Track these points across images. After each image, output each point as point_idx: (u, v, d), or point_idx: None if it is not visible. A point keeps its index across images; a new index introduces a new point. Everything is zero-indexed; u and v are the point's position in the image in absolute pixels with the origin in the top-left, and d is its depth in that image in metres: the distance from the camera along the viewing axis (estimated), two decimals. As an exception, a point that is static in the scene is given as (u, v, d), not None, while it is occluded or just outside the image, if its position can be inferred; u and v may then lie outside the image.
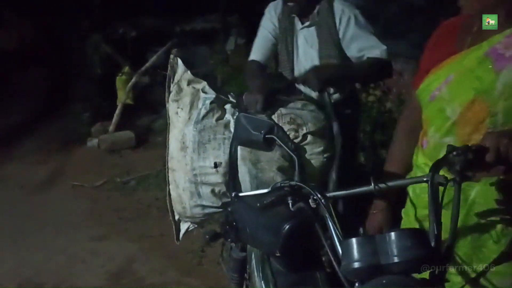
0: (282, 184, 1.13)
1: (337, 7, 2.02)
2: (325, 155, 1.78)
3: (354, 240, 0.93)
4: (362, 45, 2.00)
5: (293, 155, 1.20)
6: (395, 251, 0.89)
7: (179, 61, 1.79)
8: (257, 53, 2.18)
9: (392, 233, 0.91)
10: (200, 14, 6.03)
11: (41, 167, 4.13)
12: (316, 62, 2.07)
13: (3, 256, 2.90)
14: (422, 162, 1.28)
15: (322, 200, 1.07)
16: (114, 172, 3.98)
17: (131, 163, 4.17)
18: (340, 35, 2.02)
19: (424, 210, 1.30)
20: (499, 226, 1.18)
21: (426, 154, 1.27)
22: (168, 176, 1.77)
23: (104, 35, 5.27)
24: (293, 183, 1.12)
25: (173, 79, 1.78)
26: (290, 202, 1.12)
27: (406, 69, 4.12)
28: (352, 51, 2.02)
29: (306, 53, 2.12)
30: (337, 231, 1.00)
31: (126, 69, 4.79)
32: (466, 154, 0.99)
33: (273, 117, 1.76)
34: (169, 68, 1.79)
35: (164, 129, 5.04)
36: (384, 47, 1.98)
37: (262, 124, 1.25)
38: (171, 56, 1.80)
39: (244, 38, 6.04)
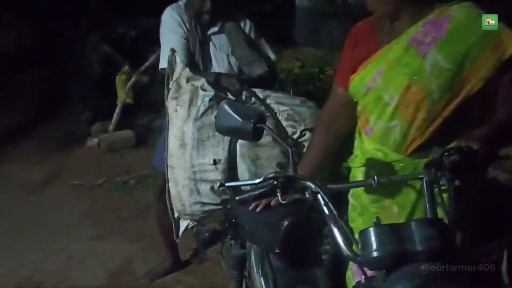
0: (277, 175, 1.10)
1: (242, 21, 2.21)
2: (324, 152, 1.77)
3: (378, 228, 0.92)
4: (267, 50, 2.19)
5: (287, 146, 1.17)
6: (422, 240, 0.90)
7: (178, 58, 1.79)
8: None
9: (419, 222, 0.93)
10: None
11: (41, 166, 4.11)
12: (227, 65, 2.13)
13: (2, 256, 2.89)
14: (372, 148, 1.39)
15: (321, 192, 1.06)
16: (113, 172, 3.96)
17: (130, 163, 4.16)
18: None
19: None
20: None
21: (374, 140, 1.38)
22: (167, 174, 1.77)
23: (103, 34, 5.26)
24: (290, 174, 1.10)
25: (172, 77, 1.78)
26: (279, 194, 1.10)
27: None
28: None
29: (218, 58, 2.15)
30: (341, 222, 0.98)
31: (126, 68, 4.77)
32: (455, 155, 1.07)
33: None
34: (167, 66, 1.78)
35: (164, 129, 5.03)
36: (274, 56, 2.24)
37: (251, 112, 1.20)
38: (169, 54, 1.79)
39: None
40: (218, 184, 1.17)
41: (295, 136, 1.76)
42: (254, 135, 1.18)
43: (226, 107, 1.19)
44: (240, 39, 2.11)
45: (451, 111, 1.27)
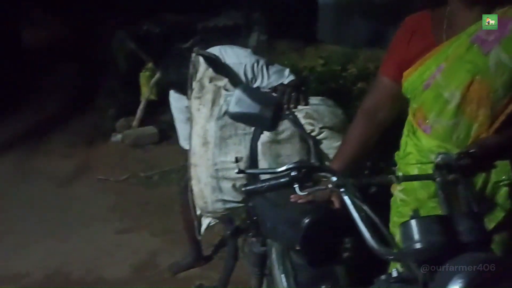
0: (300, 165, 1.06)
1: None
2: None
3: (419, 219, 0.91)
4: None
5: (307, 137, 1.15)
6: (468, 231, 0.90)
7: (201, 59, 1.82)
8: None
9: (461, 214, 0.95)
10: (222, 10, 6.07)
11: (68, 160, 4.24)
12: None
13: (31, 246, 3.00)
14: (432, 145, 1.38)
15: (346, 184, 1.03)
16: (137, 167, 4.05)
17: (154, 158, 4.24)
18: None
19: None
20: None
21: (435, 137, 1.38)
22: (189, 172, 1.81)
23: (129, 31, 5.35)
24: (314, 164, 1.08)
25: (195, 77, 1.81)
26: (296, 187, 1.06)
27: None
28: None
29: None
30: (372, 215, 0.95)
31: (150, 65, 4.84)
32: (464, 159, 1.13)
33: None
34: (191, 66, 1.82)
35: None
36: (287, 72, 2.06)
37: (271, 100, 1.18)
38: (193, 54, 1.83)
39: (266, 35, 6.07)
40: (237, 171, 1.14)
41: (313, 134, 1.76)
42: (272, 124, 1.15)
43: (243, 92, 1.16)
44: None
45: None
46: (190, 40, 5.05)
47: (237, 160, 1.68)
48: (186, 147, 2.11)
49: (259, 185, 1.04)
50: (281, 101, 1.22)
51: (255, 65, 1.97)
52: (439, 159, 1.12)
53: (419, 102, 1.40)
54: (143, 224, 3.21)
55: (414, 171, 1.43)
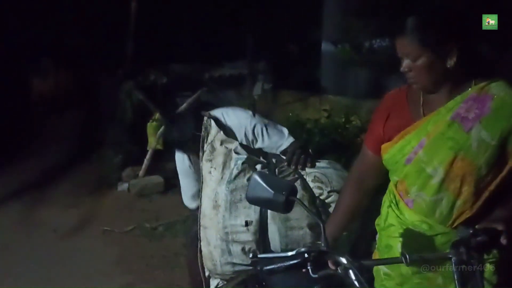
0: (310, 249, 1.13)
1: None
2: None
3: None
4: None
5: (318, 221, 1.20)
6: None
7: (213, 122, 1.88)
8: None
9: None
10: (228, 60, 6.24)
11: (73, 210, 4.23)
12: None
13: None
14: (415, 220, 1.39)
15: (354, 268, 1.09)
16: (143, 217, 4.04)
17: (160, 208, 4.23)
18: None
19: None
20: None
21: (417, 211, 1.39)
22: (199, 233, 1.82)
23: (136, 82, 5.47)
24: (323, 249, 1.13)
25: (207, 139, 1.86)
26: (310, 268, 1.12)
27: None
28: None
29: None
30: None
31: (157, 116, 4.93)
32: (482, 235, 1.14)
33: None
34: (203, 129, 1.87)
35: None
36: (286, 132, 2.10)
37: (283, 185, 1.24)
38: (205, 118, 1.89)
39: (270, 83, 6.21)
40: (251, 255, 1.21)
41: (322, 197, 1.80)
42: (286, 207, 1.22)
43: (258, 178, 1.24)
44: None
45: (497, 185, 1.31)
46: (198, 91, 5.17)
47: (247, 224, 1.70)
48: (190, 206, 2.14)
49: (276, 265, 1.10)
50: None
51: (256, 127, 2.01)
52: (457, 237, 1.13)
53: (400, 175, 1.43)
54: (147, 279, 3.18)
55: (397, 244, 1.44)
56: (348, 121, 4.36)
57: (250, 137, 2.00)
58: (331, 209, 1.77)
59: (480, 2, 2.71)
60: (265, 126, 2.05)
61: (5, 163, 4.86)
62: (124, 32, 5.59)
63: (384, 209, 1.49)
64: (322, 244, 1.15)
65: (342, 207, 1.56)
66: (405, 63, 1.34)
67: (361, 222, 1.83)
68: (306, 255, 1.13)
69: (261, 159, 1.88)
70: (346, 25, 5.95)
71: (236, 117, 2.03)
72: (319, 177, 1.79)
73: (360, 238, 1.80)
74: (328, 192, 1.77)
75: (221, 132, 1.86)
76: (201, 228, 1.80)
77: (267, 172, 1.74)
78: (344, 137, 4.25)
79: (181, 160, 2.14)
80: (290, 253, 1.14)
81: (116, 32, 5.61)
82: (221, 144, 1.84)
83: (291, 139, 2.01)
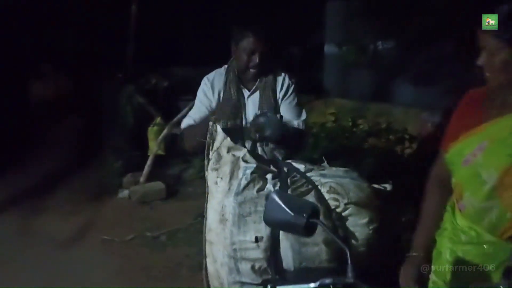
0: (335, 281, 1.01)
1: (280, 76, 2.14)
2: (370, 227, 1.67)
3: None
4: (292, 115, 2.10)
5: (344, 247, 1.07)
6: None
7: (219, 128, 1.74)
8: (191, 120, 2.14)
9: None
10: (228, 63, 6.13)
11: (73, 218, 4.09)
12: None
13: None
14: (465, 225, 1.36)
15: None
16: (144, 226, 3.91)
17: (161, 216, 4.11)
18: (279, 101, 2.11)
19: None
20: None
21: (467, 217, 1.35)
22: (204, 249, 1.68)
23: (137, 85, 5.37)
24: (349, 280, 1.00)
25: (212, 147, 1.72)
26: None
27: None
28: (287, 118, 2.08)
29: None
30: None
31: (158, 120, 4.83)
32: None
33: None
34: (208, 135, 1.73)
35: (194, 179, 4.96)
36: (303, 117, 2.14)
37: (304, 206, 1.12)
38: (210, 123, 1.75)
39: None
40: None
41: (338, 210, 1.65)
42: (307, 231, 1.09)
43: (277, 198, 1.11)
44: (268, 98, 2.10)
45: None
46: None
47: (257, 240, 1.56)
48: (182, 125, 2.15)
49: None
50: (316, 207, 1.18)
51: (290, 84, 2.15)
52: (509, 261, 1.02)
53: (457, 177, 1.40)
54: (148, 292, 3.04)
55: (446, 252, 1.40)
56: (355, 124, 4.23)
57: (285, 86, 2.09)
58: (348, 223, 1.63)
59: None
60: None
61: (2, 169, 4.72)
62: (125, 35, 5.50)
63: (445, 213, 1.47)
64: (349, 275, 1.01)
65: (431, 212, 1.49)
66: (483, 56, 1.28)
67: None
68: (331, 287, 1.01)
69: (272, 167, 1.73)
70: (350, 27, 5.84)
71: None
72: (335, 187, 1.64)
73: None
74: (345, 204, 1.63)
75: (228, 138, 1.72)
76: (207, 243, 1.66)
77: (280, 182, 1.59)
78: (351, 141, 4.12)
79: (206, 91, 2.14)
80: (312, 285, 1.04)
81: (116, 34, 5.53)
82: (228, 151, 1.69)
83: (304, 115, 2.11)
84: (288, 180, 1.66)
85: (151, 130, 4.77)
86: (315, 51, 6.48)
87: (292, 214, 1.09)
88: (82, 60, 5.82)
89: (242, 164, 1.65)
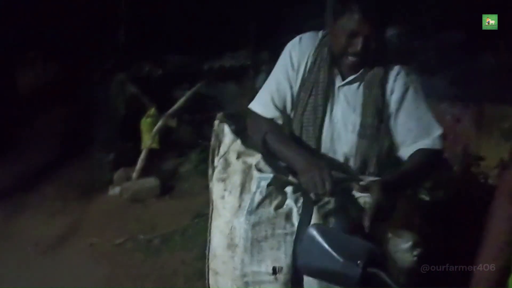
0: None
1: (394, 69, 1.58)
2: (414, 253, 1.37)
3: None
4: (415, 131, 1.54)
5: None
6: None
7: (226, 128, 1.41)
8: (271, 107, 1.63)
9: None
10: (229, 50, 5.85)
11: (58, 218, 3.79)
12: (354, 131, 1.56)
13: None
14: None
15: None
16: (136, 227, 3.62)
17: (155, 216, 3.82)
18: (391, 109, 1.55)
19: None
20: None
21: None
22: (207, 279, 1.37)
23: (130, 73, 5.09)
24: None
25: (219, 151, 1.40)
26: None
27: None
28: (402, 136, 1.55)
29: (347, 119, 1.57)
30: None
31: (152, 111, 4.52)
32: None
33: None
34: (213, 137, 1.41)
35: (192, 175, 4.66)
36: (439, 131, 1.56)
37: (357, 248, 0.80)
38: (216, 122, 1.42)
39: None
40: None
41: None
42: (362, 283, 0.76)
43: (317, 235, 0.80)
44: (375, 98, 1.54)
45: None
46: (196, 84, 4.79)
47: (275, 272, 1.24)
48: (256, 109, 1.64)
49: None
50: (375, 250, 0.79)
51: None
52: None
53: None
54: (141, 304, 2.75)
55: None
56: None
57: (401, 85, 1.57)
58: (389, 248, 1.32)
59: None
60: None
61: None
62: (115, 19, 5.21)
63: None
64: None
65: (501, 236, 1.25)
66: None
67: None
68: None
69: (291, 178, 1.40)
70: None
71: None
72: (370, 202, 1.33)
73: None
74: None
75: (238, 140, 1.38)
76: (211, 273, 1.34)
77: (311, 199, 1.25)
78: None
79: (288, 49, 1.62)
80: None
81: (106, 19, 5.21)
82: (238, 157, 1.36)
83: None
84: (312, 195, 1.33)
85: (144, 122, 4.46)
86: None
87: (342, 260, 0.76)
88: (70, 45, 5.49)
89: (255, 173, 1.32)
